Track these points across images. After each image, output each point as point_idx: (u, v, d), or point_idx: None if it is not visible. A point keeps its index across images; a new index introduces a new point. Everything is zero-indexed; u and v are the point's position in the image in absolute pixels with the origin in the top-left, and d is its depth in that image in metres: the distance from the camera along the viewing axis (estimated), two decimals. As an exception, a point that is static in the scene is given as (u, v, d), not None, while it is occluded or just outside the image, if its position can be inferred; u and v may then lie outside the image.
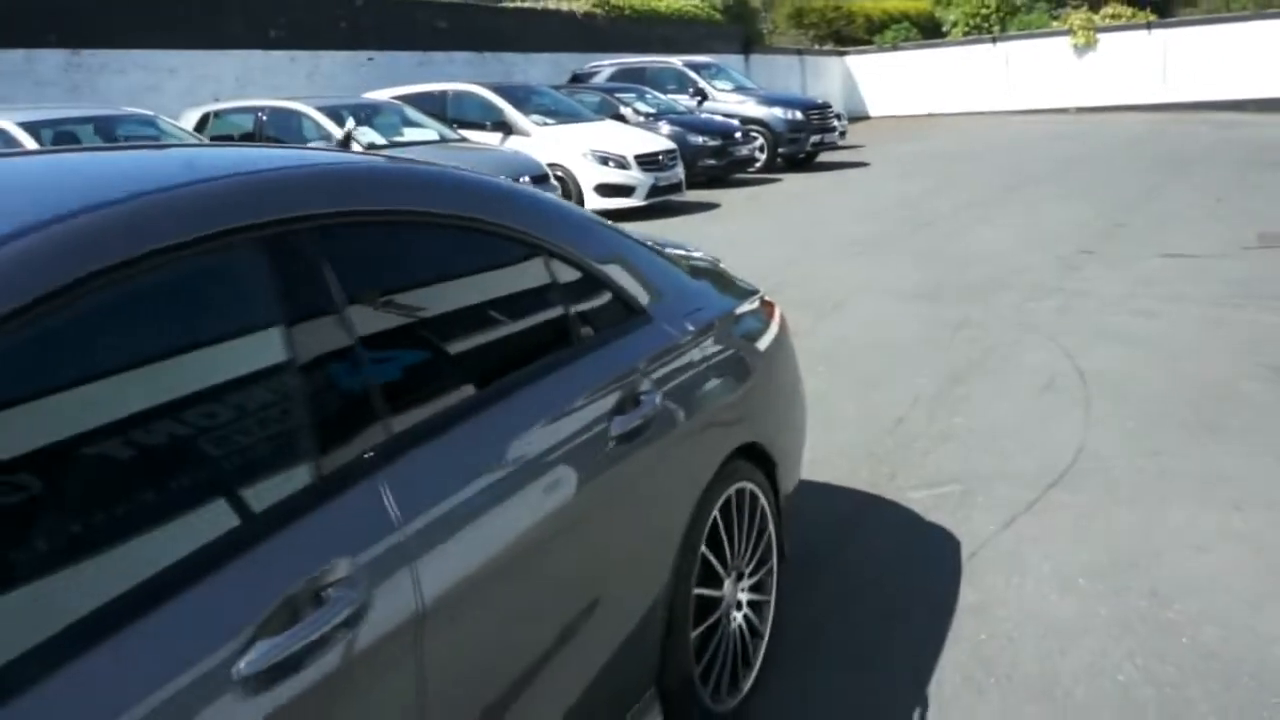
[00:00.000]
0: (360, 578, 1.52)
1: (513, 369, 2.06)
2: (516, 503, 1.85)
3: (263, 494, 1.51)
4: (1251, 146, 16.56)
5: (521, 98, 12.92)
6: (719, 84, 17.90)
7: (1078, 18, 28.90)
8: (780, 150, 16.71)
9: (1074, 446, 4.47)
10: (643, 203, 11.95)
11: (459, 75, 16.45)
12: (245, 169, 1.80)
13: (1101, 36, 27.90)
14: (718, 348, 2.68)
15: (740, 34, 28.08)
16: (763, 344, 2.93)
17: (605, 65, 18.42)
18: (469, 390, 1.93)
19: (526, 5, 20.81)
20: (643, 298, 2.49)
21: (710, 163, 14.36)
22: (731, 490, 2.62)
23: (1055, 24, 30.09)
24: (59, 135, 8.27)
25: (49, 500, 1.30)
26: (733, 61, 22.96)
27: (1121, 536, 3.64)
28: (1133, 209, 11.00)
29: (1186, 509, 3.82)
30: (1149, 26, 27.34)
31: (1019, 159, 16.93)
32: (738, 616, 2.71)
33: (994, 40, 30.54)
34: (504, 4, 20.21)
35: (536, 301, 2.24)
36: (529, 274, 2.22)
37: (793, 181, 15.41)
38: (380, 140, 10.31)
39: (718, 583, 2.59)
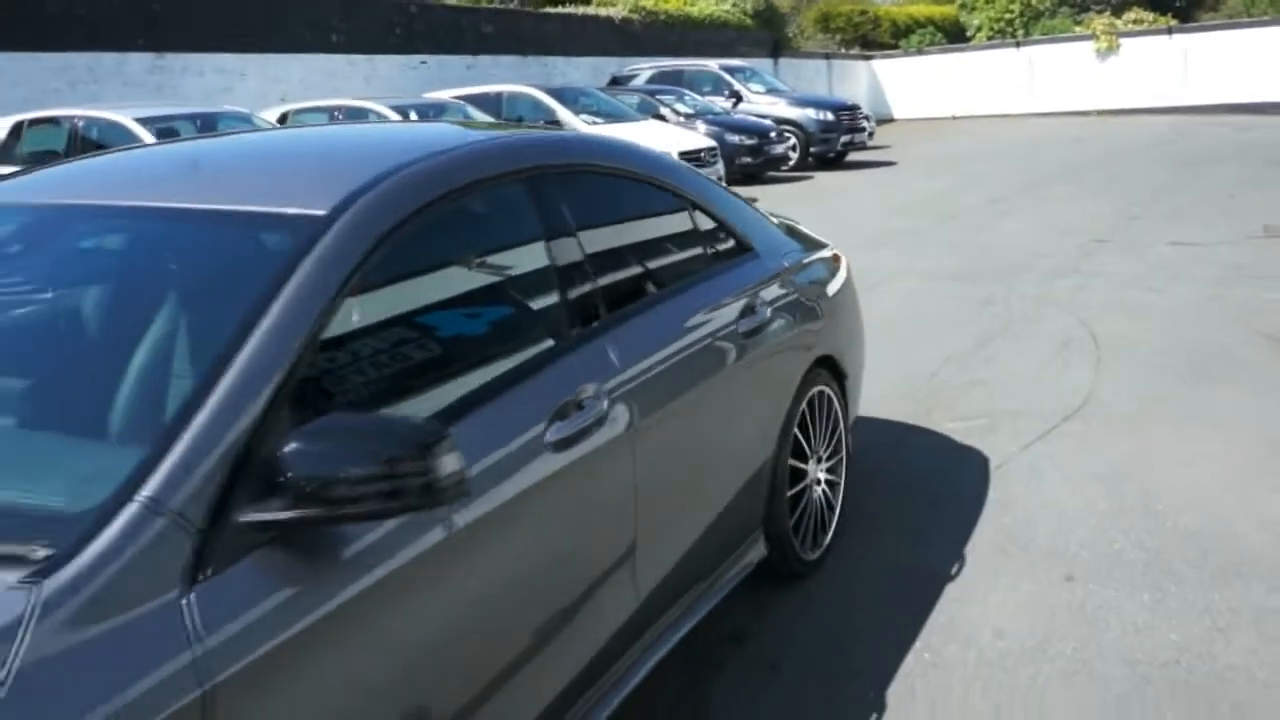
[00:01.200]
0: (601, 396, 2.34)
1: (676, 279, 2.89)
2: (685, 363, 2.68)
3: (549, 340, 2.34)
4: (1268, 147, 17.19)
5: (571, 99, 13.77)
6: (753, 86, 18.71)
7: (1100, 23, 29.52)
8: (812, 149, 17.51)
9: (1084, 391, 5.25)
10: (686, 197, 12.74)
11: (504, 78, 17.34)
12: (503, 136, 2.64)
13: (1123, 41, 28.51)
14: (803, 281, 3.49)
15: (769, 38, 28.86)
16: (834, 284, 3.74)
17: (643, 68, 19.27)
18: (651, 289, 2.76)
19: (568, 11, 21.68)
20: (751, 240, 3.32)
21: (746, 160, 15.18)
22: (814, 390, 3.43)
23: (1078, 29, 30.73)
24: (167, 129, 9.16)
25: (442, 334, 2.14)
26: (762, 65, 23.72)
27: (1120, 454, 4.42)
28: (1147, 204, 11.72)
29: (1174, 435, 4.60)
30: (1170, 31, 27.98)
31: (1040, 159, 17.64)
32: (818, 490, 3.52)
33: (1018, 45, 31.16)
34: (547, 10, 21.07)
35: (686, 235, 3.07)
36: (681, 216, 3.05)
37: (824, 179, 16.20)
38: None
39: (804, 461, 3.41)
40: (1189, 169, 14.85)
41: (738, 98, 18.00)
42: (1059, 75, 29.20)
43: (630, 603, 2.49)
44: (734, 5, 27.37)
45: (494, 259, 2.40)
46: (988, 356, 5.99)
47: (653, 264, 2.90)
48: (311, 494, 1.59)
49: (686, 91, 17.33)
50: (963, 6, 35.82)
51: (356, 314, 1.96)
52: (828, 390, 3.53)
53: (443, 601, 1.88)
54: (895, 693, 2.87)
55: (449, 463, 1.64)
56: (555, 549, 2.21)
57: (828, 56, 31.95)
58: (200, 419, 1.62)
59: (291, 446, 1.60)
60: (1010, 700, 2.81)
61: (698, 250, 3.10)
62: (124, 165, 2.66)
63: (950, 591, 3.39)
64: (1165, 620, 3.16)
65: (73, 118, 9.58)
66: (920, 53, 33.14)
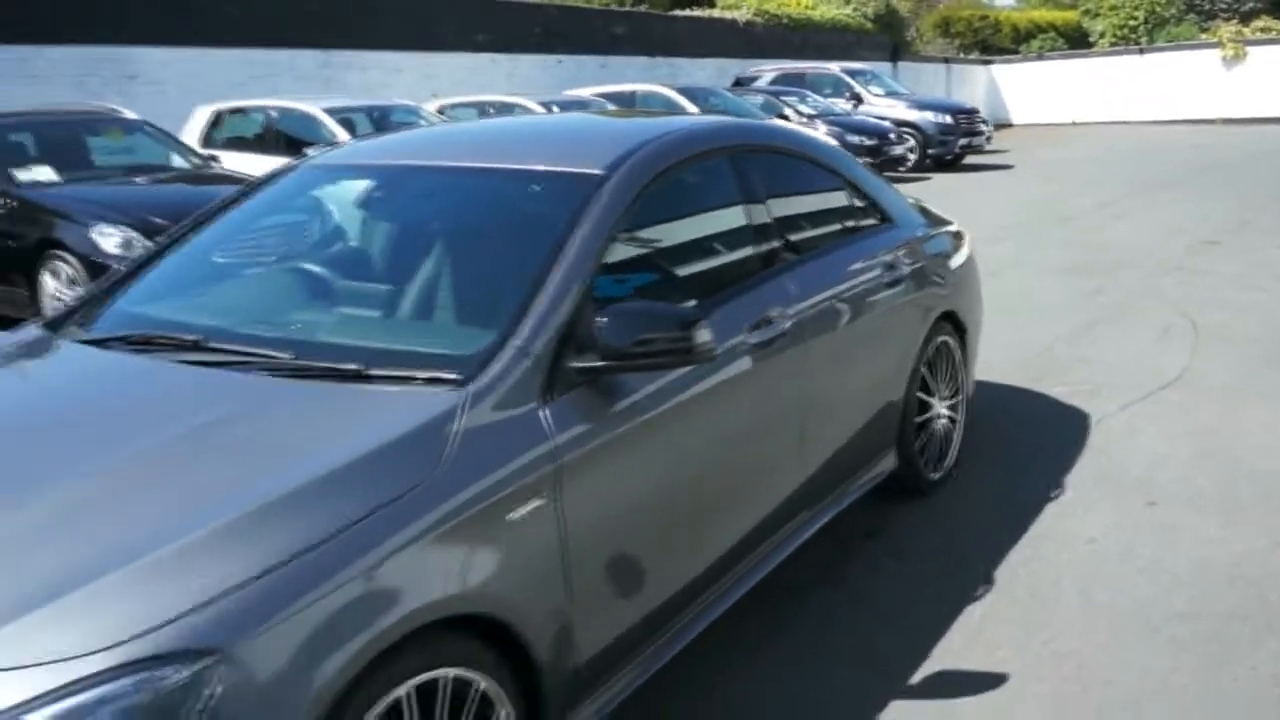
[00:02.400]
0: (784, 317, 3.13)
1: (835, 237, 3.67)
2: (842, 301, 3.45)
3: (747, 272, 3.14)
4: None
5: (700, 98, 14.59)
6: (873, 89, 19.28)
7: (1228, 30, 29.15)
8: (930, 151, 18.00)
9: (1180, 368, 5.84)
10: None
11: (634, 77, 18.24)
12: (714, 121, 3.46)
13: (1251, 49, 28.12)
14: (932, 248, 4.23)
15: (889, 42, 29.25)
16: (958, 255, 4.46)
17: (766, 70, 19.98)
18: (817, 243, 3.55)
19: (694, 14, 22.52)
20: (891, 213, 4.07)
21: (865, 161, 15.74)
22: (939, 339, 4.16)
23: (1204, 36, 30.37)
24: (347, 120, 10.24)
25: (679, 259, 2.97)
26: (881, 68, 24.19)
27: (1209, 417, 5.03)
28: (1261, 209, 12.00)
29: (1262, 406, 5.19)
30: (1302, 40, 27.50)
31: (1156, 164, 17.81)
32: (940, 422, 4.24)
33: (1141, 51, 30.92)
34: (675, 12, 21.94)
35: (843, 205, 3.84)
36: (840, 191, 3.83)
37: (941, 180, 16.70)
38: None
39: (930, 396, 4.14)
40: (1311, 178, 14.94)
41: (858, 100, 18.59)
42: (1182, 83, 28.88)
43: (796, 479, 3.28)
44: (855, 9, 27.88)
45: (710, 211, 3.21)
46: (1093, 338, 6.59)
47: (818, 224, 3.69)
48: (613, 352, 2.41)
49: (808, 93, 18.01)
50: (1086, 12, 35.59)
51: (623, 243, 2.79)
52: (950, 341, 4.25)
53: (685, 436, 2.71)
54: (1001, 575, 3.59)
55: (702, 335, 2.45)
56: (753, 422, 3.02)
57: (946, 61, 32.14)
58: (541, 302, 2.46)
59: (601, 321, 2.43)
60: (1095, 585, 3.51)
61: (851, 217, 3.88)
62: (434, 137, 3.56)
63: (1050, 509, 4.08)
64: (1232, 537, 3.81)
65: (266, 108, 10.75)
66: (1040, 58, 33.06)
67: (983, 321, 4.80)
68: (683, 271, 3.05)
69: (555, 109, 12.57)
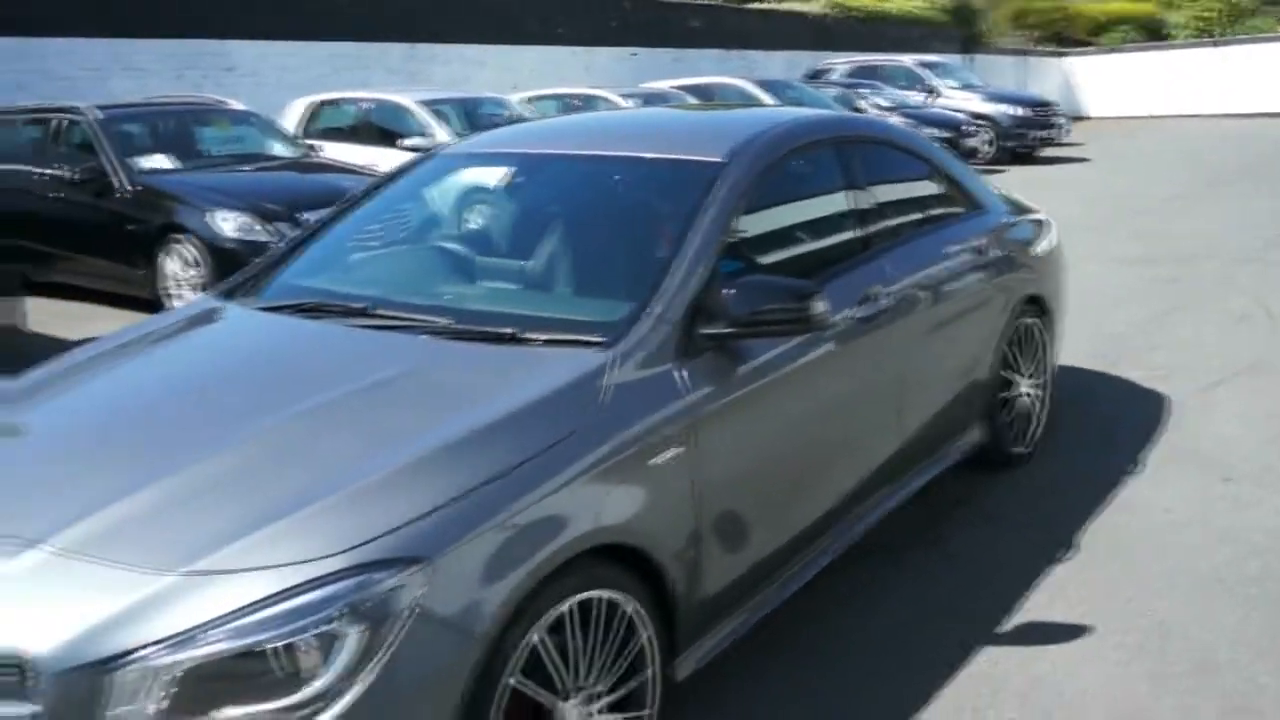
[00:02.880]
0: (884, 295, 3.39)
1: (928, 222, 3.92)
2: (934, 280, 3.70)
3: (850, 253, 3.41)
4: None
5: (777, 90, 14.79)
6: (947, 81, 19.30)
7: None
8: (1004, 144, 17.99)
9: (1256, 355, 5.97)
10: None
11: (708, 70, 18.46)
12: (818, 114, 3.73)
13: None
14: (1018, 234, 4.45)
15: (961, 34, 29.09)
16: (1043, 240, 4.67)
17: (840, 63, 20.08)
18: (912, 227, 3.80)
19: (768, 7, 22.67)
20: (980, 200, 4.30)
21: (939, 153, 15.84)
22: (1025, 320, 4.38)
23: (1285, 28, 29.75)
24: (439, 111, 10.62)
25: (792, 237, 3.24)
26: (954, 61, 24.12)
27: (1286, 401, 5.19)
28: (1345, 203, 11.91)
29: (1339, 390, 5.32)
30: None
31: (1233, 158, 17.62)
32: (1024, 399, 4.47)
33: (1214, 44, 30.34)
34: (748, 5, 22.12)
35: (935, 192, 4.09)
36: (932, 179, 4.08)
37: (1016, 173, 16.69)
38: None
39: (1014, 373, 4.37)
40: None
41: (932, 92, 18.63)
42: (1260, 75, 28.28)
43: (893, 445, 3.54)
44: (928, 2, 27.76)
45: (816, 196, 3.48)
46: (1170, 325, 6.73)
47: (913, 210, 3.94)
48: (739, 320, 2.70)
49: (883, 86, 18.10)
50: (1164, 4, 35.00)
51: (743, 223, 3.07)
52: (1035, 322, 4.47)
53: (798, 399, 2.99)
54: (1083, 541, 3.82)
55: (819, 306, 2.72)
56: (856, 390, 3.29)
57: (1021, 53, 31.85)
58: (675, 275, 2.75)
59: (727, 291, 2.72)
60: (1173, 550, 3.73)
61: (943, 204, 4.12)
62: (562, 128, 3.88)
63: (1128, 482, 4.29)
64: (1306, 510, 4.00)
65: (361, 99, 11.20)
66: (1117, 50, 32.59)
67: (1065, 306, 4.99)
68: (792, 251, 3.33)
69: (636, 102, 12.86)
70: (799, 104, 14.89)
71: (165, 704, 1.88)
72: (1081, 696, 2.91)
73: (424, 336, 2.77)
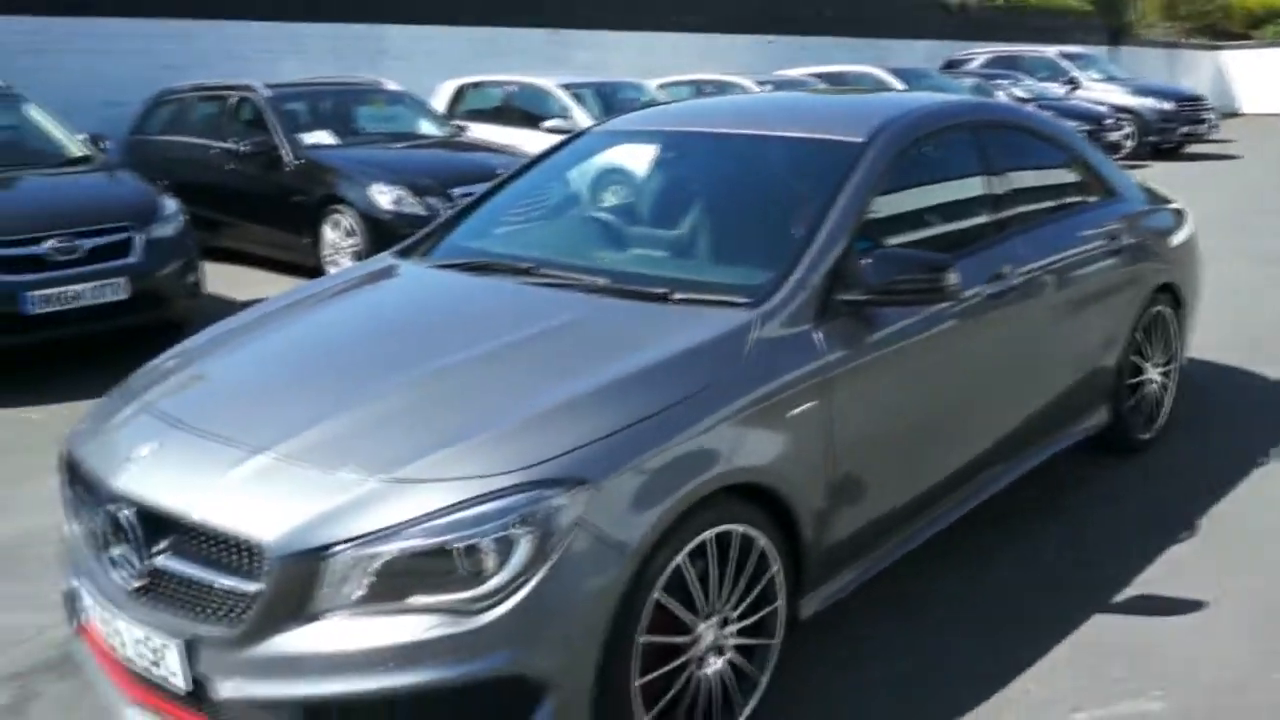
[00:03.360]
0: (1014, 275, 3.53)
1: (1064, 205, 4.04)
2: (1068, 263, 3.82)
3: (984, 233, 3.56)
4: None
5: (911, 79, 14.73)
6: (1090, 73, 18.84)
7: None
8: (1148, 138, 17.49)
9: (1405, 356, 5.85)
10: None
11: (842, 58, 18.40)
12: (957, 99, 3.88)
13: None
14: (1152, 223, 4.51)
15: (1108, 26, 28.23)
16: (1180, 232, 4.71)
17: (979, 53, 19.79)
18: (1047, 210, 3.93)
19: (906, -5, 22.46)
20: (1116, 187, 4.38)
21: (1078, 146, 15.52)
22: (1156, 308, 4.44)
23: None
24: (578, 95, 10.96)
25: (928, 215, 3.42)
26: (1099, 53, 23.45)
27: None
28: None
29: None
30: None
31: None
32: (1152, 386, 4.53)
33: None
34: (886, -6, 21.96)
35: (1072, 178, 4.20)
36: (1069, 165, 4.18)
37: (1159, 167, 16.23)
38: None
39: (1143, 360, 4.44)
40: None
41: (1074, 84, 18.21)
42: None
43: (1017, 418, 3.69)
44: (1073, -9, 27.03)
45: (952, 178, 3.65)
46: None
47: (1047, 195, 4.06)
48: (874, 288, 2.90)
49: (1022, 76, 17.78)
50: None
51: (880, 201, 3.27)
52: (1166, 311, 4.53)
53: (927, 366, 3.18)
54: (1204, 525, 3.89)
55: (951, 277, 2.90)
56: (983, 362, 3.45)
57: (1170, 45, 30.73)
58: (816, 245, 2.97)
59: (865, 261, 2.92)
60: (1296, 538, 3.78)
61: (1078, 190, 4.23)
62: (708, 109, 4.14)
63: (1255, 474, 4.33)
64: None
65: (504, 82, 11.64)
66: (1275, 44, 31.15)
67: (1199, 296, 5.01)
68: (927, 230, 3.51)
69: (769, 88, 13.00)
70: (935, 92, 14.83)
71: (366, 589, 2.20)
72: (1189, 664, 3.03)
73: (584, 293, 3.05)
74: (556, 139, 10.21)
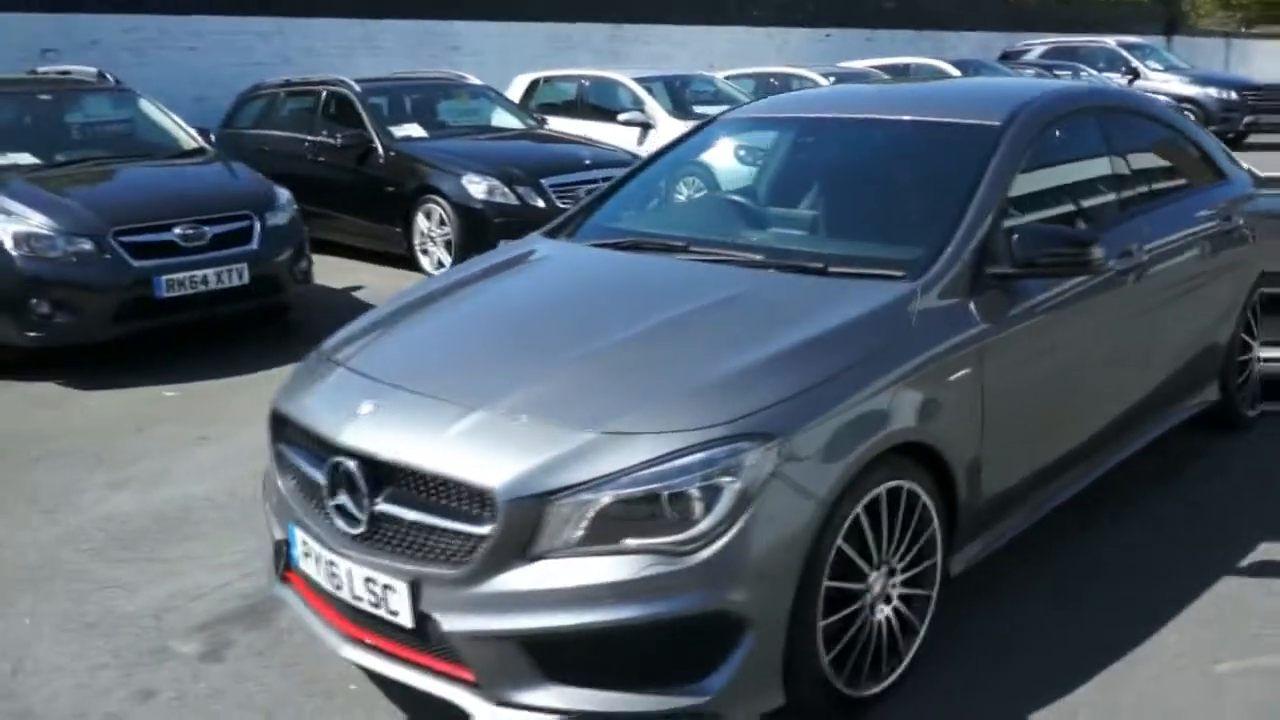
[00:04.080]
0: (1141, 251, 3.68)
1: (1181, 186, 4.18)
2: (1185, 242, 3.96)
3: (1113, 211, 3.72)
4: None
5: (972, 70, 14.79)
6: (1150, 63, 18.76)
7: None
8: (1211, 128, 17.38)
9: None
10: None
11: (898, 50, 18.52)
12: (1075, 85, 4.04)
13: None
14: (1263, 205, 4.63)
15: (1163, 15, 28.02)
16: (1283, 213, 4.83)
17: (1036, 44, 19.75)
18: (1165, 191, 4.07)
19: (961, -13, 22.47)
20: (1226, 169, 4.52)
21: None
22: (1260, 290, 4.56)
23: None
24: (649, 87, 11.15)
25: (1062, 193, 3.59)
26: (1156, 43, 23.30)
27: None
28: None
29: None
30: None
31: None
32: (1258, 367, 4.65)
33: None
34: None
35: (1186, 160, 4.33)
36: (1183, 149, 4.33)
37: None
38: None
39: (1253, 339, 4.56)
40: None
41: (1134, 74, 18.15)
42: None
43: (1140, 390, 3.84)
44: (1130, -19, 26.86)
45: (1079, 159, 3.81)
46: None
47: (1166, 176, 4.21)
48: (1023, 261, 3.07)
49: (1082, 67, 17.76)
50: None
51: (1018, 179, 3.43)
52: (1276, 291, 4.65)
53: (1065, 336, 3.33)
54: (1318, 495, 4.02)
55: (1097, 251, 3.07)
56: (1113, 334, 3.61)
57: (1227, 35, 30.41)
58: (966, 221, 3.14)
59: (1015, 237, 3.09)
60: None
61: (1193, 172, 4.36)
62: (839, 96, 4.31)
63: (1363, 448, 4.44)
64: None
65: (576, 76, 11.88)
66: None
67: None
68: (1060, 207, 3.66)
69: (833, 80, 13.13)
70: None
71: (584, 532, 2.40)
72: (1324, 621, 3.18)
73: (745, 268, 3.25)
74: (635, 130, 10.49)
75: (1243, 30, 31.61)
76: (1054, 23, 23.26)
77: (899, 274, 3.04)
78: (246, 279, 6.28)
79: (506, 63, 13.21)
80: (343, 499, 2.68)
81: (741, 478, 2.41)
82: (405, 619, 2.55)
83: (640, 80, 11.11)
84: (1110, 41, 19.43)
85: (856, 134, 3.86)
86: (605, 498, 2.40)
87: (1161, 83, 18.01)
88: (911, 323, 2.89)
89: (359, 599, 2.65)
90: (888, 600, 2.80)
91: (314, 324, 7.07)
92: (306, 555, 2.81)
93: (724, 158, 4.09)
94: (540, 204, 8.00)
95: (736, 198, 3.91)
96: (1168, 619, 3.21)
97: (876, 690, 2.79)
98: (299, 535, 2.84)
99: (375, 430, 2.67)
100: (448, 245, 8.18)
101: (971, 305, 3.03)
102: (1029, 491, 3.36)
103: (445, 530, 2.51)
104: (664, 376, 2.66)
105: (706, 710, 2.45)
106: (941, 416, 2.87)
